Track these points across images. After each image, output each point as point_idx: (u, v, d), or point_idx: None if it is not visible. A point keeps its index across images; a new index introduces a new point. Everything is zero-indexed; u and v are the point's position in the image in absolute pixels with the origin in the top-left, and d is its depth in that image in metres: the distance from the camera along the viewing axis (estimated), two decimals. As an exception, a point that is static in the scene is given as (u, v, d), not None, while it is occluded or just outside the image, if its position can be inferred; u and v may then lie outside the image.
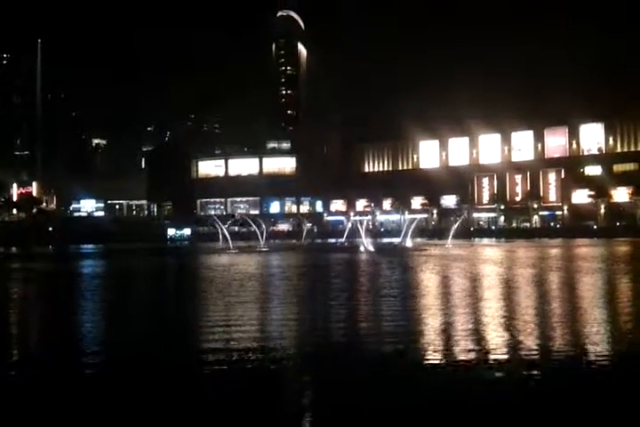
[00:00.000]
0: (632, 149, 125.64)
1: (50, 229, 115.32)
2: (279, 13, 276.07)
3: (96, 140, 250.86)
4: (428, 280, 31.33)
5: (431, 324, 16.73)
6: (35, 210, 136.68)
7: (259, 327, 16.98)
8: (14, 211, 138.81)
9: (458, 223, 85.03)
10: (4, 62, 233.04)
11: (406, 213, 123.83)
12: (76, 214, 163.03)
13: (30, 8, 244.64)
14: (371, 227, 72.98)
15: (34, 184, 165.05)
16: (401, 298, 23.19)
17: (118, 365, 12.75)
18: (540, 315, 18.45)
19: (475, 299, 22.19)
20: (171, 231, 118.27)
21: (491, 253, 60.94)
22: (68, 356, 13.73)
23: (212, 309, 20.91)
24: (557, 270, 35.88)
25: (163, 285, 32.16)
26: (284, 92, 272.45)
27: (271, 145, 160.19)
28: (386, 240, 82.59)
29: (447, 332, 15.50)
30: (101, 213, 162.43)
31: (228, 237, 72.58)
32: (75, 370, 12.34)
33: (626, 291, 25.79)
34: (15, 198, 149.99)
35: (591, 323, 16.58)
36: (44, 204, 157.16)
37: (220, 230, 78.03)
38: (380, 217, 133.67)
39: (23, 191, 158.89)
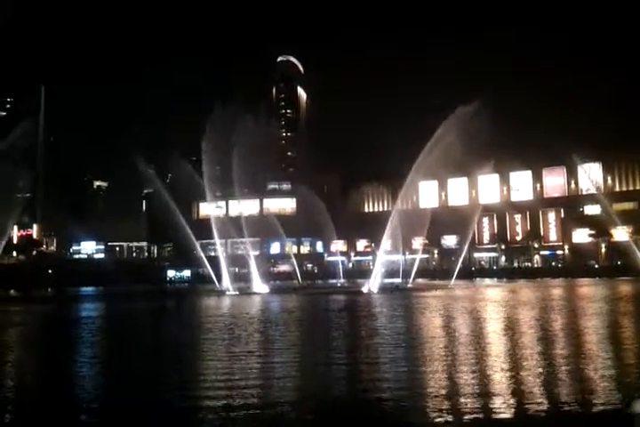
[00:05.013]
0: (631, 188, 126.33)
1: (49, 271, 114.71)
2: (279, 58, 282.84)
3: (97, 183, 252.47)
4: (437, 327, 29.56)
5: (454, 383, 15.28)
6: (35, 252, 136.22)
7: (259, 386, 15.49)
8: (14, 253, 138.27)
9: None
10: (7, 106, 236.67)
11: (407, 253, 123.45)
12: (76, 257, 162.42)
13: (33, 52, 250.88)
14: (371, 267, 72.74)
15: (34, 226, 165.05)
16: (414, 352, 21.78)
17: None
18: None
19: (505, 353, 20.85)
20: (171, 273, 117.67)
21: (497, 295, 59.19)
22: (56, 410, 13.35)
23: (208, 359, 20.05)
24: (577, 316, 34.36)
25: (161, 331, 31.17)
26: (284, 134, 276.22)
27: (272, 186, 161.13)
28: (387, 281, 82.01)
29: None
30: (102, 256, 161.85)
31: (228, 279, 72.19)
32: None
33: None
34: (15, 241, 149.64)
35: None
36: (45, 246, 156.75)
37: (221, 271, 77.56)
38: (381, 257, 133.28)
39: (23, 233, 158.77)
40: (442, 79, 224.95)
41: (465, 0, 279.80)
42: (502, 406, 12.62)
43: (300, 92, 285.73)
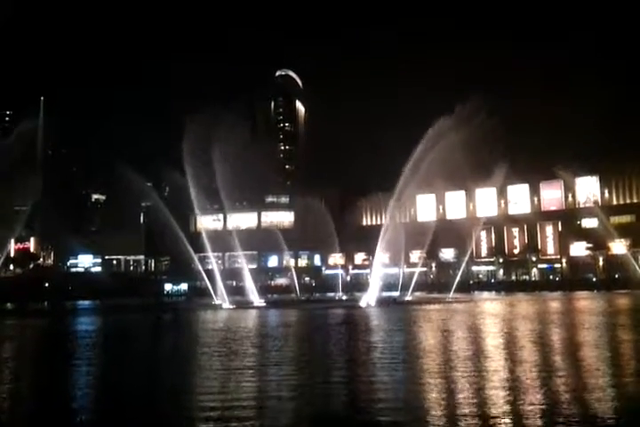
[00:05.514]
0: (628, 201, 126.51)
1: (46, 284, 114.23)
2: (278, 72, 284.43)
3: (95, 196, 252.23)
4: (436, 343, 29.22)
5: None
6: (32, 265, 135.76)
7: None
8: (11, 266, 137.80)
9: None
10: (7, 119, 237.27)
11: (405, 266, 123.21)
12: (73, 270, 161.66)
13: (33, 65, 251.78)
14: (369, 280, 72.78)
15: (32, 240, 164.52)
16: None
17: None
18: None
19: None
20: (167, 287, 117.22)
21: (496, 309, 58.75)
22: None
23: (203, 376, 19.82)
24: (576, 330, 34.20)
25: (156, 347, 30.87)
26: (282, 147, 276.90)
27: (269, 199, 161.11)
28: (385, 294, 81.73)
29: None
30: (99, 269, 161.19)
31: (225, 292, 71.92)
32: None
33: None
34: (12, 254, 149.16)
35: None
36: (42, 259, 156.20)
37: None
38: (377, 270, 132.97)
39: (21, 247, 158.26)
40: (442, 83, 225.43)
41: (466, 1, 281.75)
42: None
43: (299, 105, 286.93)
